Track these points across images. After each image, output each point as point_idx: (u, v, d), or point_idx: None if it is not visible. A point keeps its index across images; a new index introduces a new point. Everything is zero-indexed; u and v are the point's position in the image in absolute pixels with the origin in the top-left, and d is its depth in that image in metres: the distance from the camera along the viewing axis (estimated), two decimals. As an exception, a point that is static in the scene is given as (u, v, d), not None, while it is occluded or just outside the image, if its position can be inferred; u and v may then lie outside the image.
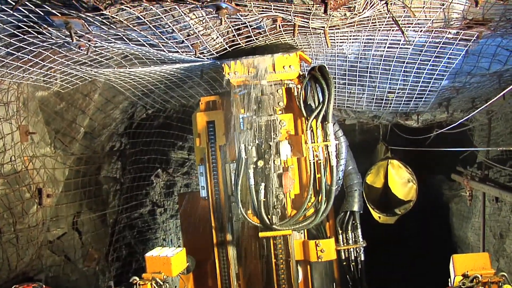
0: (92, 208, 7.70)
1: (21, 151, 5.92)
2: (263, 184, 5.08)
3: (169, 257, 4.69)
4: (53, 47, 4.75)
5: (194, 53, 4.84)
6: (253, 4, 3.90)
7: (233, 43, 5.04)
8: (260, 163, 5.09)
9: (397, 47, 5.63)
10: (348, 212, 5.72)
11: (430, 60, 5.92)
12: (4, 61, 4.84)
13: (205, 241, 5.82)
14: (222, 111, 5.69)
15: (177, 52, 4.91)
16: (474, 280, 4.05)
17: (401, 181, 10.23)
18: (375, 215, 10.59)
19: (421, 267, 11.87)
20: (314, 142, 5.20)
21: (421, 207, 10.51)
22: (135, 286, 4.52)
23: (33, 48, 4.67)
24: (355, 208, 5.65)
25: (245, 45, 5.09)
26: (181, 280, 5.48)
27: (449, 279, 4.37)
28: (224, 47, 5.08)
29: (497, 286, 3.97)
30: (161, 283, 4.56)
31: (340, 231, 5.78)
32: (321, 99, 5.14)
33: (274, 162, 5.07)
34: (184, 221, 6.59)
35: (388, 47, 5.64)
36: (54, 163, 6.62)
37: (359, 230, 5.74)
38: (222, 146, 5.70)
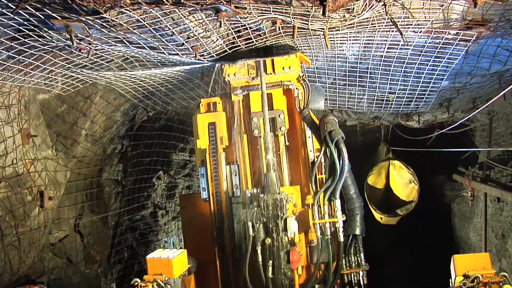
0: (94, 211, 7.71)
1: (22, 154, 5.93)
2: (270, 261, 5.11)
3: (170, 259, 4.69)
4: (54, 50, 4.77)
5: (194, 55, 4.86)
6: (252, 6, 3.92)
7: (233, 45, 5.06)
8: (268, 241, 5.11)
9: (397, 48, 5.64)
10: (351, 236, 5.68)
11: (430, 60, 5.92)
12: (5, 64, 4.85)
13: (206, 242, 5.82)
14: (223, 113, 5.70)
15: (177, 54, 4.92)
16: (475, 280, 4.06)
17: (402, 181, 10.25)
18: (377, 216, 10.60)
19: (422, 267, 11.87)
20: (322, 218, 5.25)
21: (422, 207, 10.52)
22: (136, 288, 4.52)
23: (34, 51, 4.69)
24: (357, 231, 5.60)
25: (245, 47, 5.11)
26: (182, 282, 5.49)
27: (450, 280, 4.37)
28: (224, 49, 5.10)
29: (498, 286, 3.98)
30: (163, 285, 4.55)
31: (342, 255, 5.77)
32: (331, 171, 5.19)
33: (281, 241, 5.07)
34: (185, 222, 6.59)
35: (388, 48, 5.66)
36: (56, 165, 6.64)
37: (362, 254, 5.71)
38: (223, 148, 5.71)
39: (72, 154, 6.93)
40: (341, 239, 5.27)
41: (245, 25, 4.53)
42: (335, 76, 6.66)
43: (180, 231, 10.03)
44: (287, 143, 5.59)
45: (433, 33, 5.14)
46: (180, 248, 6.32)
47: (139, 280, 4.55)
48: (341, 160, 5.09)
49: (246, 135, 5.60)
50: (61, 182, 6.77)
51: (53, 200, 6.46)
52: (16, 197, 5.89)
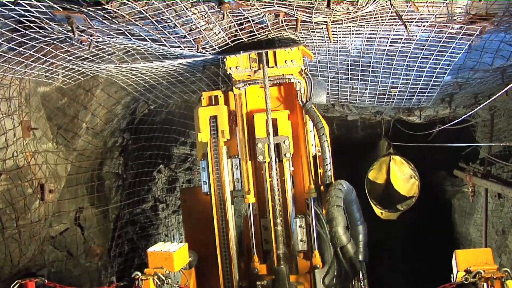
0: (94, 204, 7.69)
1: (23, 147, 5.91)
2: None
3: (171, 252, 4.68)
4: (55, 42, 4.74)
5: (196, 48, 4.83)
6: (256, -2, 3.89)
7: (235, 38, 5.03)
8: None
9: (400, 42, 5.61)
10: None
11: (433, 55, 5.90)
12: (6, 56, 4.82)
13: (207, 236, 5.82)
14: (225, 106, 5.68)
15: (179, 47, 4.89)
16: (477, 275, 4.04)
17: (403, 177, 10.25)
18: (377, 211, 10.61)
19: (423, 263, 11.88)
20: None
21: (423, 203, 10.51)
22: (137, 281, 4.51)
23: (35, 43, 4.66)
24: (361, 258, 5.62)
25: (248, 40, 5.08)
26: (183, 276, 5.48)
27: (452, 275, 4.37)
28: (226, 42, 5.07)
29: (500, 281, 3.96)
30: (163, 278, 4.56)
31: None
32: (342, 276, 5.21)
33: None
34: (186, 216, 6.58)
35: (390, 42, 5.63)
36: (56, 158, 6.62)
37: (366, 280, 5.70)
38: (225, 141, 5.70)
39: (73, 147, 6.91)
40: None
41: (247, 18, 4.50)
42: (337, 70, 6.64)
43: (180, 225, 10.03)
44: (292, 168, 5.60)
45: (437, 27, 5.11)
46: (180, 242, 6.32)
47: (139, 273, 4.54)
48: (353, 272, 5.12)
49: (251, 162, 5.60)
50: (61, 175, 6.76)
51: (54, 193, 6.46)
52: (17, 190, 5.88)
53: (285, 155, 5.42)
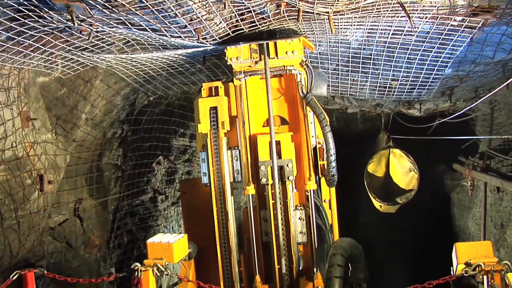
0: (94, 195, 7.68)
1: (22, 137, 5.88)
2: None
3: (171, 244, 4.68)
4: (54, 32, 4.70)
5: (196, 38, 4.80)
6: (257, -12, 3.86)
7: (236, 28, 5.00)
8: None
9: (401, 34, 5.58)
10: (355, 285, 5.67)
11: (434, 48, 5.87)
12: (5, 45, 4.78)
13: (206, 228, 5.81)
14: (225, 97, 5.65)
15: (180, 37, 4.86)
16: (477, 268, 4.04)
17: (402, 170, 10.26)
18: (376, 204, 10.63)
19: (421, 256, 11.92)
20: None
21: (422, 196, 10.53)
22: (136, 272, 4.50)
23: (34, 32, 4.61)
24: (361, 280, 5.62)
25: (248, 31, 5.05)
26: (182, 267, 5.49)
27: (452, 268, 4.37)
28: (227, 33, 5.04)
29: (500, 274, 3.96)
30: (163, 269, 4.55)
31: None
32: None
33: None
34: (185, 208, 6.58)
35: (392, 34, 5.60)
36: (56, 149, 6.59)
37: None
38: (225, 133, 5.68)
39: (72, 138, 6.88)
40: None
41: (249, 8, 4.47)
42: (338, 62, 6.61)
43: (179, 217, 10.04)
44: (295, 191, 5.60)
45: (439, 19, 5.08)
46: (180, 233, 6.33)
47: (139, 265, 4.54)
48: None
49: (254, 184, 5.57)
50: (60, 166, 6.74)
51: (53, 184, 6.44)
52: (16, 181, 5.85)
53: (288, 178, 5.41)
